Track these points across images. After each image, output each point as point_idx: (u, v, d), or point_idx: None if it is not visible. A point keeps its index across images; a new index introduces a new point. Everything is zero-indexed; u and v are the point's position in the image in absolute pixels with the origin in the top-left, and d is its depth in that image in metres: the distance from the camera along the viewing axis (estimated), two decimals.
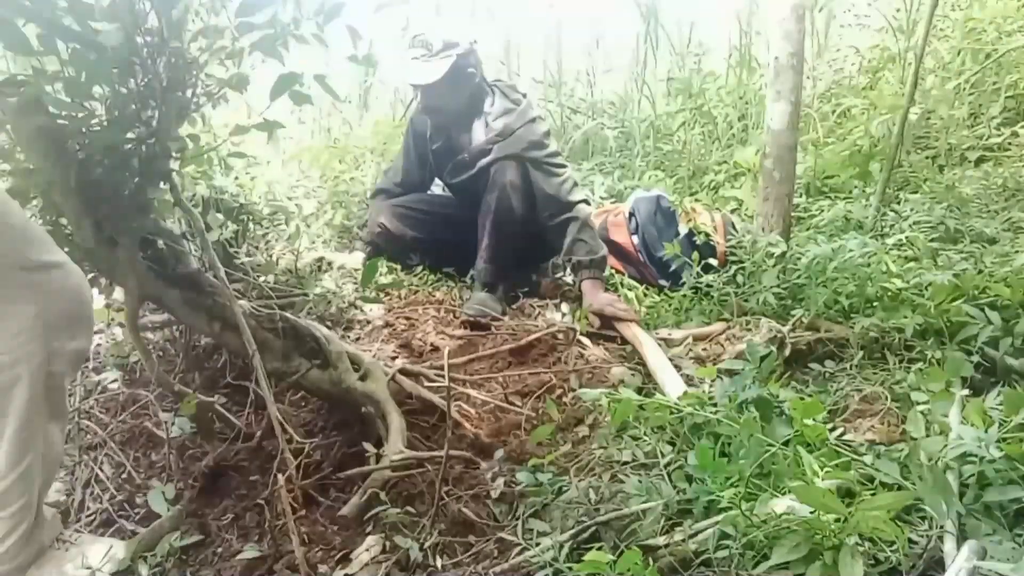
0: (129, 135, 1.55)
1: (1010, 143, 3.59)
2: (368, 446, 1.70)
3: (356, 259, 3.01)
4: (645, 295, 2.86)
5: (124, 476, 1.84)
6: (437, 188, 3.31)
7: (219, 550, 1.57)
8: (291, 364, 1.88)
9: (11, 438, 1.30)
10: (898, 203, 3.20)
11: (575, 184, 2.82)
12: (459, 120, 2.91)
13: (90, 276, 1.67)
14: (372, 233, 3.09)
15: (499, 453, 1.74)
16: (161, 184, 1.64)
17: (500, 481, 1.63)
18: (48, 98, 1.44)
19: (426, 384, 2.04)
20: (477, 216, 2.84)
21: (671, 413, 1.68)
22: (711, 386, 1.89)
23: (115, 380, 2.16)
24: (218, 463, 1.80)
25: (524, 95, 2.94)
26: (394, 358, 2.30)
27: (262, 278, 2.33)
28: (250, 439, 1.88)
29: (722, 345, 2.29)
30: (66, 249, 1.51)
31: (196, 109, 1.61)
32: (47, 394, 1.33)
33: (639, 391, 1.93)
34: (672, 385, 1.98)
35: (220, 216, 2.33)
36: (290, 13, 1.50)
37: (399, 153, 3.27)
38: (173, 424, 1.92)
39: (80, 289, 1.36)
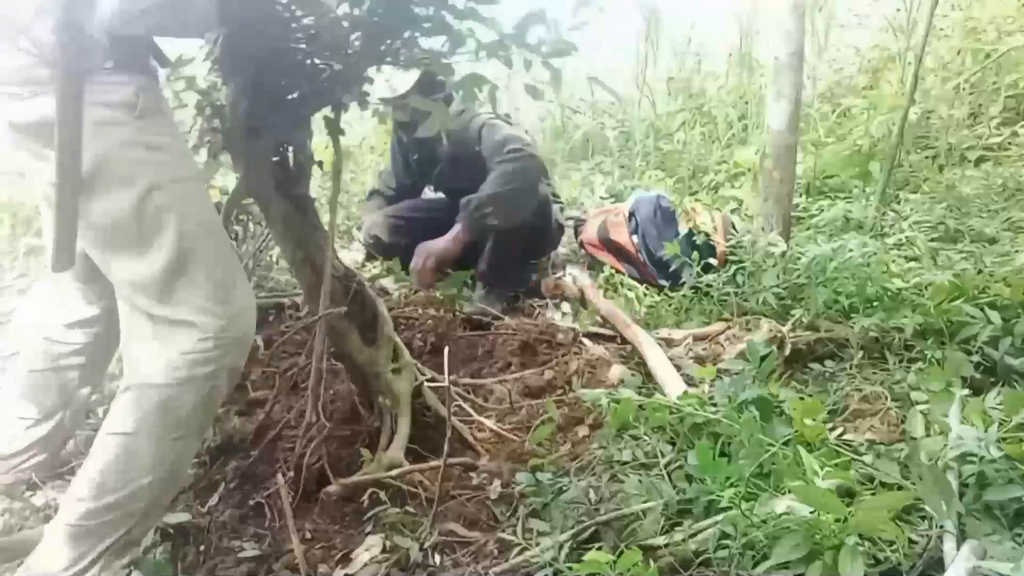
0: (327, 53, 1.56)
1: (1010, 143, 3.59)
2: (366, 452, 1.70)
3: (355, 258, 3.02)
4: (645, 295, 2.86)
5: None
6: (429, 190, 3.27)
7: (219, 549, 1.57)
8: (344, 324, 1.85)
9: (160, 444, 1.32)
10: (898, 203, 3.20)
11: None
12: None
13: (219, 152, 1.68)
14: (366, 243, 3.07)
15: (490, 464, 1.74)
16: (329, 110, 1.65)
17: (496, 483, 1.64)
18: None
19: (430, 386, 2.02)
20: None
21: (671, 413, 1.68)
22: (711, 386, 1.90)
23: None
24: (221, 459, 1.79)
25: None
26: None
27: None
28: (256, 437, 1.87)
29: (722, 345, 2.29)
30: (209, 114, 1.56)
31: (391, 63, 1.61)
32: (204, 407, 1.35)
33: (639, 391, 1.94)
34: (672, 385, 1.98)
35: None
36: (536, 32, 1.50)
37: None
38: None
39: (252, 311, 1.40)
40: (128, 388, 1.32)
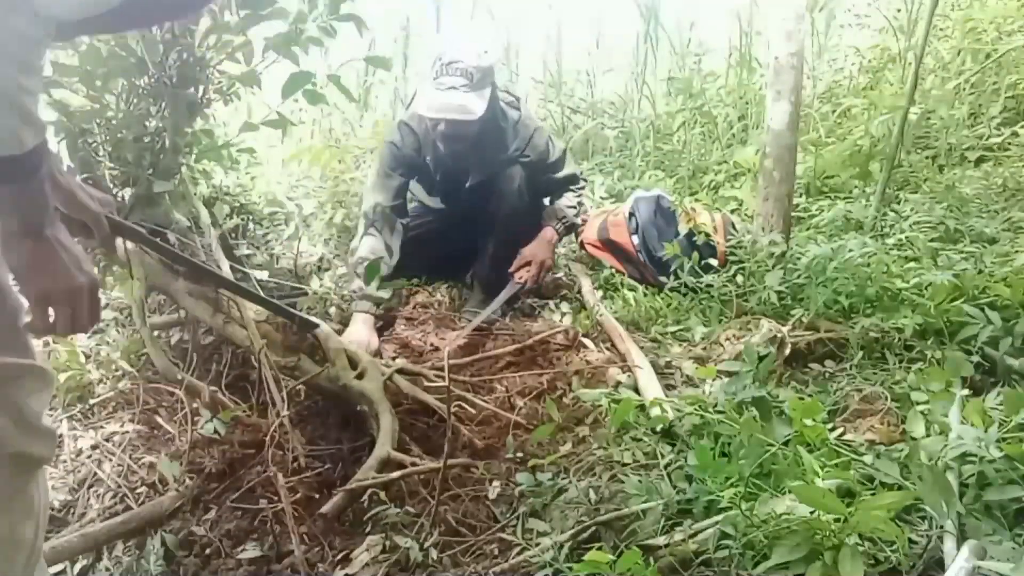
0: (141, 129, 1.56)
1: (1010, 143, 3.59)
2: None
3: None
4: (645, 295, 2.86)
5: (124, 476, 1.84)
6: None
7: (219, 550, 1.57)
8: (291, 359, 1.88)
9: None
10: (898, 203, 3.19)
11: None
12: (475, 142, 2.65)
13: (100, 266, 1.68)
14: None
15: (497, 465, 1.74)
16: (173, 178, 1.66)
17: (496, 483, 1.63)
18: (63, 92, 1.45)
19: (425, 385, 2.03)
20: (468, 224, 2.78)
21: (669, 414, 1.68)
22: (711, 386, 1.90)
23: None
24: (222, 463, 1.79)
25: (518, 97, 2.87)
26: (395, 358, 2.30)
27: (259, 273, 2.32)
28: (251, 443, 1.87)
29: (722, 345, 2.29)
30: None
31: (207, 105, 1.61)
32: None
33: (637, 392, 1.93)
34: (651, 388, 1.95)
35: (226, 207, 2.34)
36: (295, 4, 1.50)
37: (374, 188, 2.74)
38: (202, 425, 1.89)
39: None
40: None
